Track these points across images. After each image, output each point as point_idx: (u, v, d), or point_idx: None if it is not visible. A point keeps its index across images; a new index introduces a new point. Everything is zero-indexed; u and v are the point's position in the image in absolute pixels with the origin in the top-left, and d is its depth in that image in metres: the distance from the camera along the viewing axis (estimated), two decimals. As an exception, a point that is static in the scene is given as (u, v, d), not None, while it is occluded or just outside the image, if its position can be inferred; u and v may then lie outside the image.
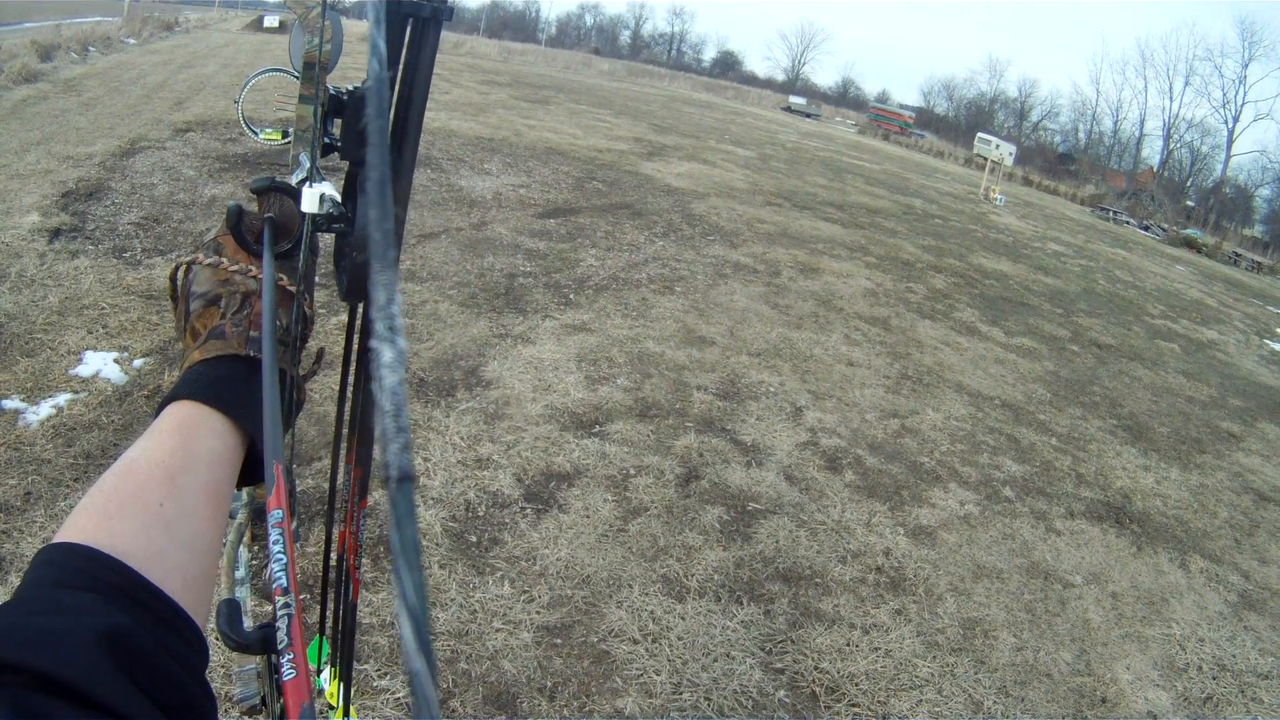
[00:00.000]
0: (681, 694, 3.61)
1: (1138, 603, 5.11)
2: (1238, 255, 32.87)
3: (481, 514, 4.42)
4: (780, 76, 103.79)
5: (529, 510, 4.54)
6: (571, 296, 7.59)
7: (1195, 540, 6.06)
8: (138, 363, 5.07)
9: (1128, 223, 35.52)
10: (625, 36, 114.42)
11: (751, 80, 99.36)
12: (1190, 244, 32.03)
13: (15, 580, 3.40)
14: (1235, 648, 4.95)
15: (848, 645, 4.10)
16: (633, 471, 5.09)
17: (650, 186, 13.05)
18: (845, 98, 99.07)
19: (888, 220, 15.33)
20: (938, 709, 3.87)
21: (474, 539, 4.20)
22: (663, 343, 6.99)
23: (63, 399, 4.55)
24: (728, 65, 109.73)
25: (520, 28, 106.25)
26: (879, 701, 3.82)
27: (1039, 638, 4.55)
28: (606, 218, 10.59)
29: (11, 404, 4.42)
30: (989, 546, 5.24)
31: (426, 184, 10.17)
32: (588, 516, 4.60)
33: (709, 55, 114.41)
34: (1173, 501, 6.56)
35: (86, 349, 5.07)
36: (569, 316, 7.11)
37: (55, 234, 6.52)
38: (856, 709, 3.75)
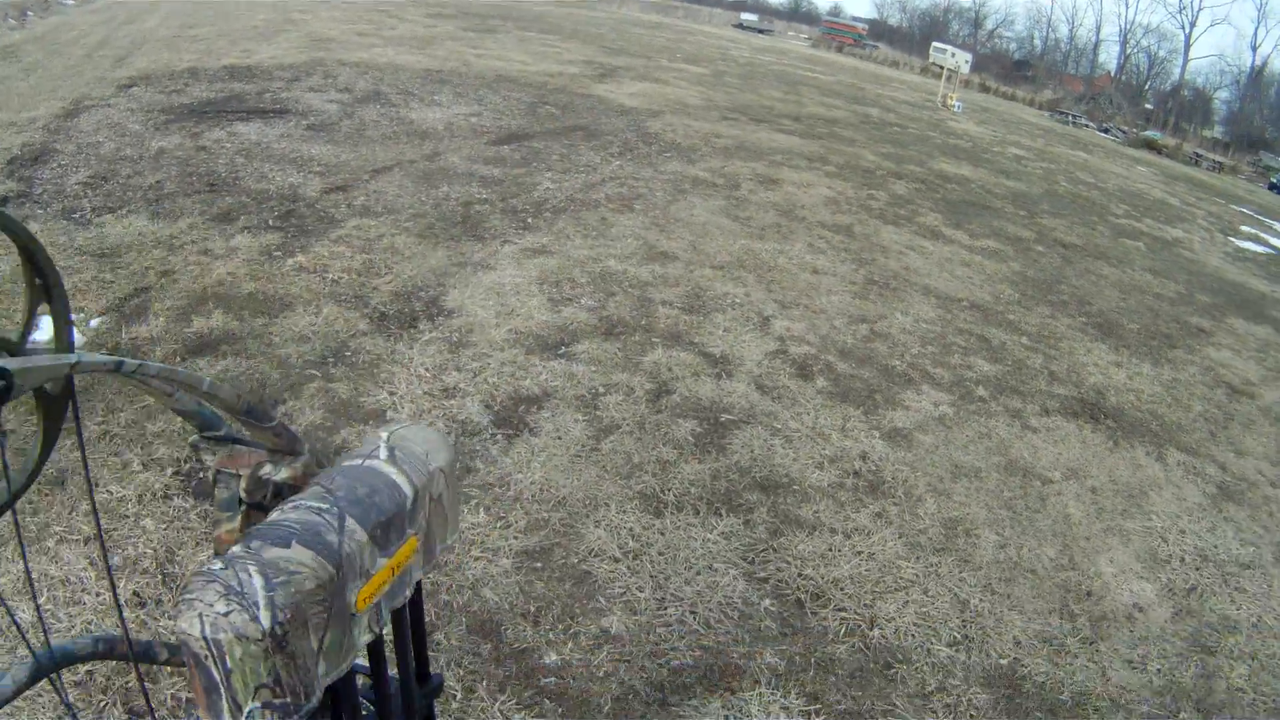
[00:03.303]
0: (666, 609, 3.52)
1: (1117, 496, 5.06)
2: (1199, 156, 32.88)
3: (452, 443, 4.27)
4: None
5: (499, 436, 4.42)
6: (529, 220, 7.40)
7: (1171, 434, 6.02)
8: (94, 322, 4.90)
9: (1087, 125, 35.44)
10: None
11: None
12: (1151, 145, 31.99)
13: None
14: (1216, 538, 4.91)
15: (830, 551, 4.01)
16: (602, 390, 4.97)
17: (604, 108, 12.78)
18: (797, 13, 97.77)
19: (845, 130, 15.14)
20: (924, 609, 3.80)
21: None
22: (624, 260, 6.83)
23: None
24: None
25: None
26: (865, 605, 3.74)
27: (1021, 534, 4.49)
28: (561, 141, 10.35)
29: (-31, 381, 4.23)
30: (966, 446, 5.16)
31: (376, 118, 9.91)
32: (559, 438, 4.48)
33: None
34: (1146, 396, 6.51)
35: (42, 315, 4.86)
36: (528, 240, 6.93)
37: (3, 201, 6.27)
38: (843, 613, 3.67)
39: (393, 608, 1.10)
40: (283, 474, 1.18)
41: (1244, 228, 15.79)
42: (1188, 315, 8.79)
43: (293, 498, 1.02)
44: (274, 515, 0.97)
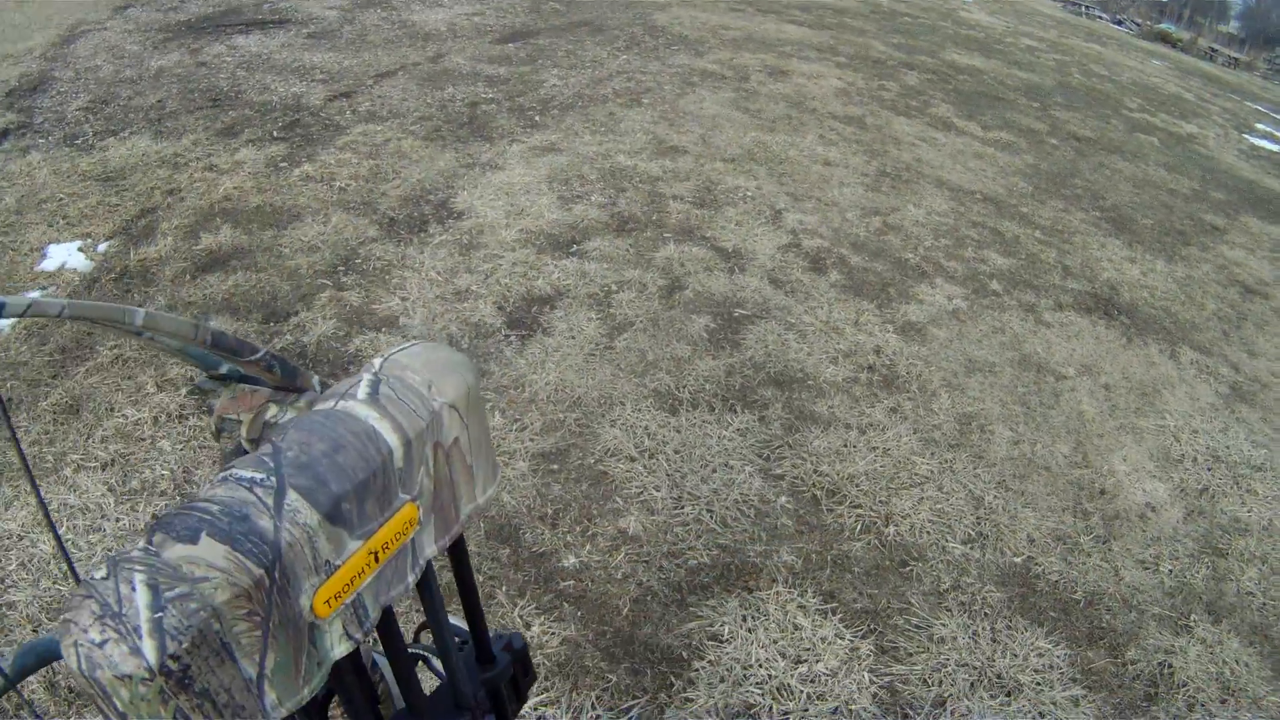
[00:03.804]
0: (683, 508, 3.50)
1: (1130, 394, 5.02)
2: (1214, 51, 32.23)
3: (465, 347, 4.27)
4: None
5: (513, 337, 4.39)
6: (537, 119, 7.24)
7: (1184, 332, 5.95)
8: (102, 247, 4.83)
9: (1100, 17, 34.69)
10: None
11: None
12: (1165, 39, 31.33)
13: (6, 490, 3.23)
14: (1229, 439, 4.88)
15: (845, 446, 3.98)
16: (614, 287, 4.90)
17: (609, 1, 12.47)
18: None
19: (855, 20, 14.78)
20: (939, 506, 3.78)
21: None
22: (634, 156, 6.70)
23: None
24: None
25: None
26: (880, 501, 3.72)
27: (1035, 430, 4.46)
28: (566, 37, 10.09)
29: (-20, 313, 4.18)
30: (979, 340, 5.10)
31: (378, 23, 9.64)
32: (573, 337, 4.43)
33: None
34: (1160, 293, 6.43)
35: (49, 243, 4.84)
36: (536, 138, 6.78)
37: (4, 134, 6.12)
38: (859, 510, 3.66)
39: (387, 603, 0.84)
40: (289, 416, 0.94)
41: (1259, 125, 15.53)
42: (1202, 212, 8.65)
43: (231, 463, 0.75)
44: (202, 490, 0.71)
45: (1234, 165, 11.25)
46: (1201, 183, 9.80)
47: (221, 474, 0.73)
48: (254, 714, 0.68)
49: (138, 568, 0.63)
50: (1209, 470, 4.59)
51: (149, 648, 0.59)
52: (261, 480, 0.71)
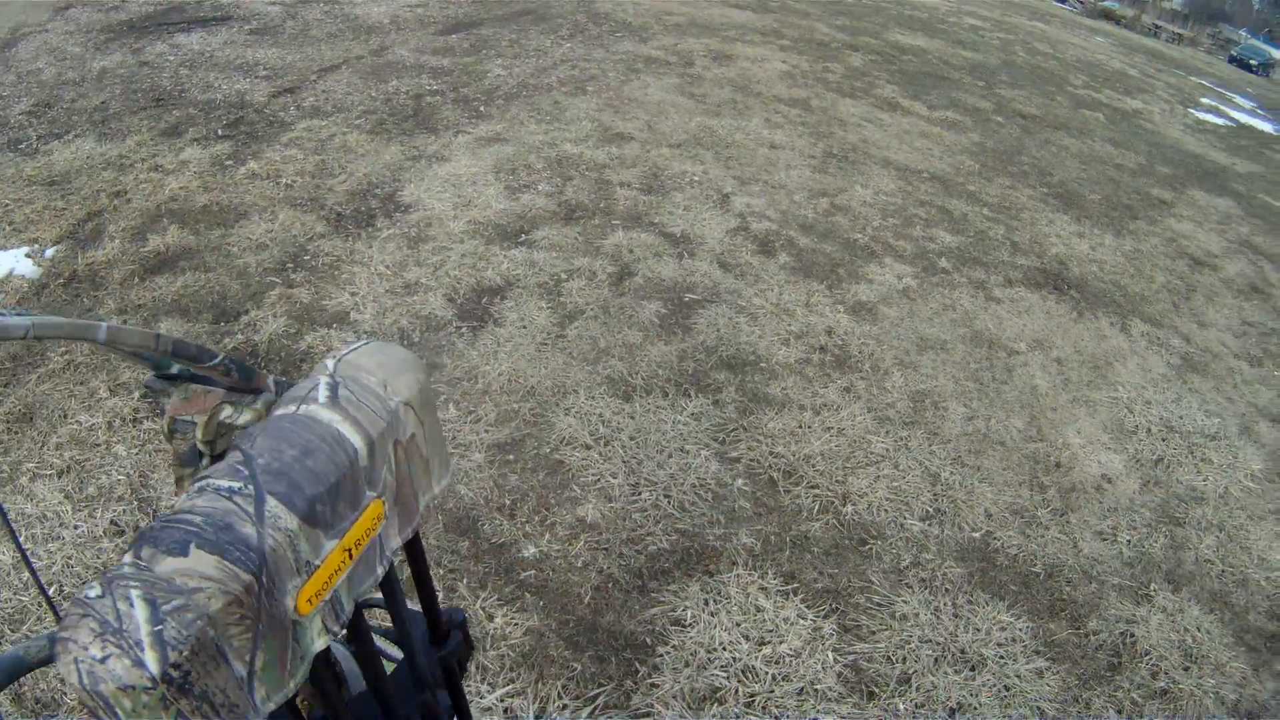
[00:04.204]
0: (640, 494, 3.45)
1: (1082, 367, 5.03)
2: (1157, 27, 32.64)
3: (417, 340, 4.21)
4: None
5: (464, 329, 4.32)
6: (482, 109, 7.15)
7: (1134, 304, 5.98)
8: (49, 252, 4.69)
9: (1041, -3, 35.00)
10: None
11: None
12: (1109, 16, 31.67)
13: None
14: (1182, 409, 4.90)
15: (800, 427, 3.95)
16: (564, 276, 4.84)
17: (553, -12, 12.40)
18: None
19: (799, 3, 14.78)
20: (896, 484, 3.76)
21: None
22: (580, 144, 6.63)
23: None
24: None
25: None
26: (837, 481, 3.69)
27: (989, 406, 4.45)
28: (510, 26, 10.00)
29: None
30: (930, 318, 5.09)
31: (321, 17, 9.51)
32: (524, 327, 4.37)
33: None
34: (1109, 267, 6.45)
35: None
36: (482, 129, 6.70)
37: None
38: (816, 490, 3.62)
39: (359, 596, 0.87)
40: (245, 417, 0.94)
41: (1204, 99, 15.70)
42: (1149, 186, 8.72)
43: (204, 473, 0.76)
44: (180, 502, 0.73)
45: (1180, 139, 11.37)
46: (1148, 157, 9.89)
47: (198, 484, 0.74)
48: (246, 710, 0.70)
49: (133, 584, 0.65)
50: (1163, 440, 4.60)
51: (151, 659, 0.62)
52: (239, 489, 0.74)
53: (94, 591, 0.65)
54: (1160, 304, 6.12)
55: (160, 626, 0.63)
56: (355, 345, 0.95)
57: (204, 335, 4.04)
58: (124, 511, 3.11)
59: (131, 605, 0.64)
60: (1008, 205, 7.13)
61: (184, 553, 0.67)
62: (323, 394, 0.85)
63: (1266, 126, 14.46)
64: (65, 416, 3.52)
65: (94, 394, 3.65)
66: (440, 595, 2.94)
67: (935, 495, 3.77)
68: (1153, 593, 3.61)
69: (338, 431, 0.82)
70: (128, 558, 0.67)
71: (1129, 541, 3.85)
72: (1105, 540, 3.82)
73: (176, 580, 0.66)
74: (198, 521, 0.70)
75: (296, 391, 0.86)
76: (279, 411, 0.84)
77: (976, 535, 3.63)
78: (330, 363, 0.91)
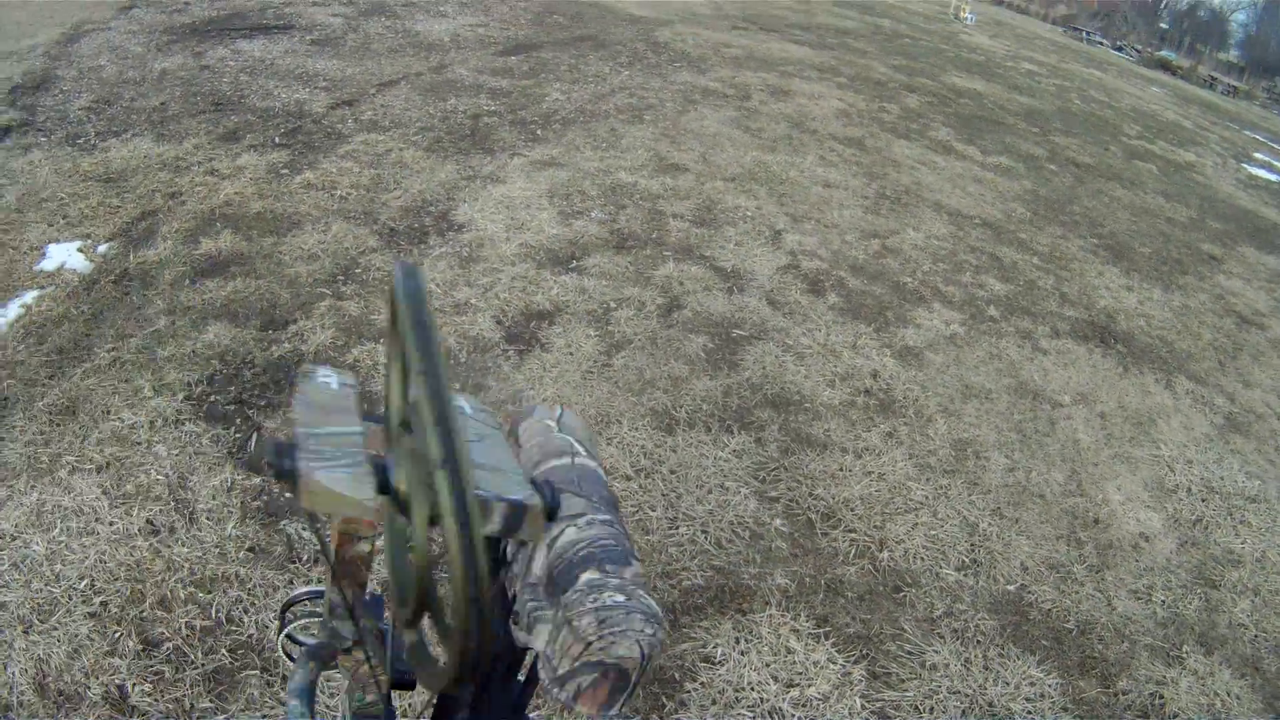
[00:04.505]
0: (678, 528, 3.49)
1: (1126, 423, 5.03)
2: (1213, 79, 32.37)
3: (464, 360, 4.25)
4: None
5: (511, 352, 4.37)
6: (539, 132, 7.25)
7: (1180, 361, 5.97)
8: (101, 248, 4.78)
9: (1101, 43, 34.84)
10: None
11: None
12: (1165, 66, 31.48)
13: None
14: (1223, 470, 4.89)
15: (841, 470, 3.98)
16: (613, 305, 4.90)
17: (612, 17, 12.49)
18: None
19: (857, 41, 14.86)
20: (933, 532, 3.78)
21: (458, 387, 4.02)
22: (635, 172, 6.71)
23: (30, 296, 4.28)
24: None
25: None
26: (875, 526, 3.72)
27: (1030, 458, 4.47)
28: (569, 51, 10.12)
29: (-21, 313, 4.19)
30: (976, 366, 5.11)
31: (381, 31, 9.66)
32: (571, 354, 4.43)
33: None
34: (1156, 322, 6.45)
35: (49, 242, 4.78)
36: (538, 153, 6.79)
37: (6, 132, 6.07)
38: (853, 534, 3.65)
39: None
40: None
41: (1257, 154, 15.60)
42: (1199, 241, 8.69)
43: (570, 515, 0.91)
44: (573, 535, 0.89)
45: (1232, 194, 11.30)
46: (1199, 211, 9.85)
47: (573, 518, 0.89)
48: None
49: (630, 584, 0.83)
50: (1203, 501, 4.59)
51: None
52: (608, 521, 0.90)
53: (619, 597, 0.81)
54: (1206, 362, 6.11)
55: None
56: (546, 408, 1.07)
57: (251, 342, 4.12)
58: (160, 512, 3.16)
59: (643, 594, 0.83)
60: (1058, 255, 7.14)
61: (627, 563, 0.85)
62: (583, 450, 1.00)
63: (1321, 184, 14.34)
64: (108, 413, 3.58)
65: (138, 392, 3.71)
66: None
67: (972, 545, 3.79)
68: (1184, 655, 3.61)
69: (597, 471, 0.97)
70: (589, 574, 0.83)
71: (1163, 602, 3.85)
72: (1140, 599, 3.82)
73: (636, 578, 0.84)
74: (611, 541, 0.87)
75: (550, 446, 0.99)
76: (554, 463, 0.97)
77: (1011, 588, 3.65)
78: (553, 423, 1.03)
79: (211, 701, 2.59)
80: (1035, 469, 4.39)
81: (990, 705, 3.13)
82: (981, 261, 6.56)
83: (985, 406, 4.76)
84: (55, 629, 2.69)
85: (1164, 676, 3.47)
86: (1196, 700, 3.43)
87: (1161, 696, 3.39)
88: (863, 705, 3.01)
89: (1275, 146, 17.72)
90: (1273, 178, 13.64)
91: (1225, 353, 6.35)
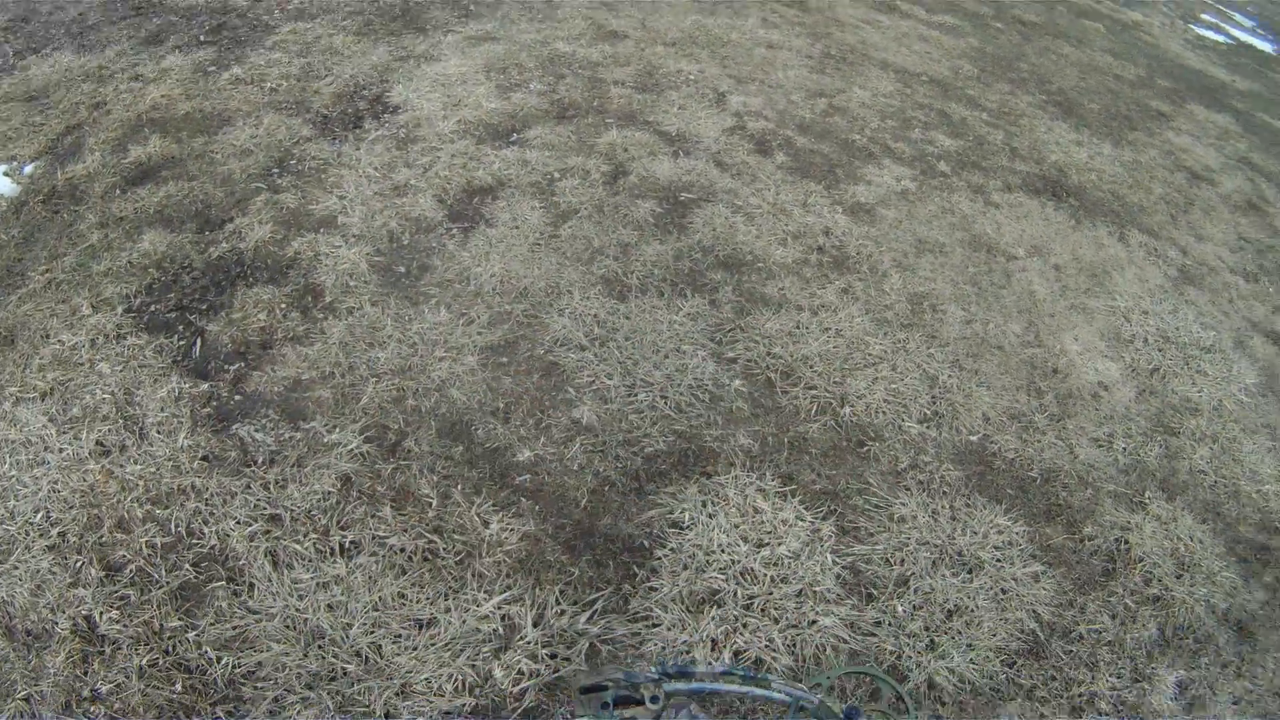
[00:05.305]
0: (636, 395, 3.40)
1: (1080, 275, 4.97)
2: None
3: (406, 242, 4.10)
4: None
5: (455, 230, 4.22)
6: (472, 7, 6.94)
7: (1132, 215, 5.90)
8: (28, 169, 4.56)
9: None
10: None
11: None
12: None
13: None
14: (1178, 320, 4.86)
15: (797, 328, 3.89)
16: (557, 175, 4.73)
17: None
18: None
19: (797, -97, 14.46)
20: (894, 386, 3.72)
21: (402, 269, 3.92)
22: (573, 42, 6.45)
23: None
24: None
25: None
26: (835, 382, 3.64)
27: (987, 310, 4.40)
28: (500, -83, 9.73)
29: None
30: (929, 221, 5.01)
31: None
32: (517, 227, 4.27)
33: None
34: (1107, 176, 6.36)
35: None
36: (472, 28, 6.50)
37: None
38: (814, 391, 3.58)
39: None
40: None
41: (1204, 15, 15.47)
42: (1148, 99, 8.58)
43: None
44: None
45: (1180, 54, 11.19)
46: (1147, 70, 9.73)
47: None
48: None
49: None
50: (1159, 351, 4.56)
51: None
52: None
53: None
54: (1158, 215, 6.05)
55: None
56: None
57: (188, 246, 3.94)
58: (109, 431, 3.05)
59: None
60: (1007, 111, 7.01)
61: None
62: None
63: (1266, 46, 14.24)
64: (47, 337, 3.44)
65: (76, 312, 3.55)
66: (434, 501, 2.92)
67: (933, 398, 3.73)
68: (1147, 501, 3.60)
69: None
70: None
71: (1124, 449, 3.83)
72: (1101, 447, 3.80)
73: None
74: None
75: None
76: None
77: (974, 439, 3.60)
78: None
79: (180, 619, 2.54)
80: (992, 321, 4.32)
81: (960, 555, 3.09)
82: (930, 118, 6.41)
83: (940, 260, 4.67)
84: (16, 568, 2.62)
85: (1128, 522, 3.46)
86: (1160, 545, 3.42)
87: (1126, 542, 3.38)
88: (833, 561, 2.96)
89: (1221, 9, 17.60)
90: (1220, 38, 13.53)
91: (1177, 207, 6.29)
